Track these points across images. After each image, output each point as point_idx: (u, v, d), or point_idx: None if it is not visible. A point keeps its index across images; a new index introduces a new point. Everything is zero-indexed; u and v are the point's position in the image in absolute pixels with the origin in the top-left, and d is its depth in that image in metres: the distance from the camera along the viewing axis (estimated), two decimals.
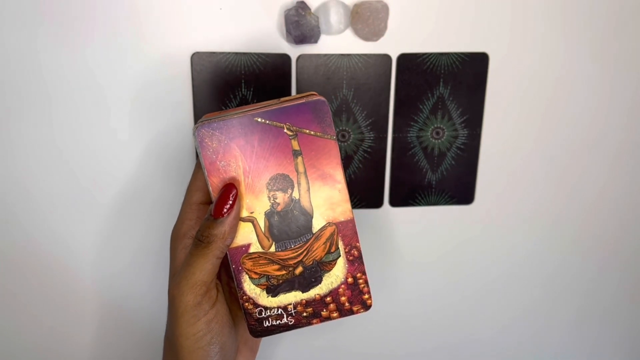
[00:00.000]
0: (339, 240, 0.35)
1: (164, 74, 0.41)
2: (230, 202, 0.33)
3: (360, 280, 0.36)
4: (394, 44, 0.42)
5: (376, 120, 0.44)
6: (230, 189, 0.33)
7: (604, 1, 0.44)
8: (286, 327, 0.36)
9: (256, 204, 0.34)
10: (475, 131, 0.45)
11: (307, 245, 0.35)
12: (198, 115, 0.42)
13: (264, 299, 0.35)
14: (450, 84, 0.44)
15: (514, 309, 0.51)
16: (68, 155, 0.42)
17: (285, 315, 0.36)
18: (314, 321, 0.36)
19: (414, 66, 0.43)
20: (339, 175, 0.34)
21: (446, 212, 0.47)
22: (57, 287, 0.45)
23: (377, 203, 0.46)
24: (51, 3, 0.39)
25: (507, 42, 0.44)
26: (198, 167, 0.35)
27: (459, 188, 0.46)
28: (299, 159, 0.34)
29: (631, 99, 0.46)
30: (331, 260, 0.36)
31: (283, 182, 0.34)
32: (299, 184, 0.34)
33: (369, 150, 0.44)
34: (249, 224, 0.34)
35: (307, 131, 0.33)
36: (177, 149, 0.43)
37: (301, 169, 0.34)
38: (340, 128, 0.44)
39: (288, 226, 0.35)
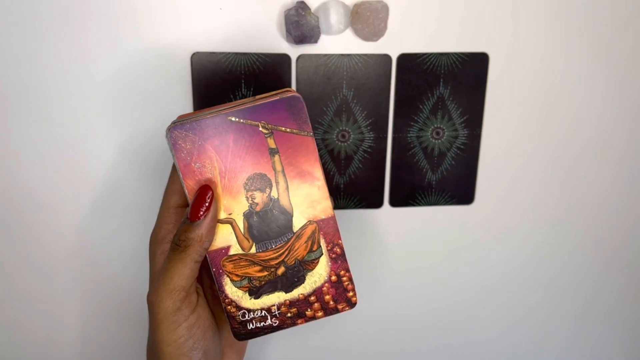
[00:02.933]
0: (321, 238, 0.35)
1: (164, 74, 0.41)
2: (207, 204, 0.32)
3: (344, 278, 0.36)
4: (394, 44, 0.42)
5: (376, 120, 0.44)
6: (205, 190, 0.32)
7: (605, 1, 0.44)
8: (271, 329, 0.36)
9: (234, 205, 0.33)
10: (475, 131, 0.45)
11: (288, 244, 0.35)
12: None
13: (247, 301, 0.35)
14: (450, 84, 0.44)
15: (514, 309, 0.51)
16: (67, 154, 0.42)
17: (269, 317, 0.35)
18: (299, 321, 0.36)
19: (414, 66, 0.43)
20: (317, 172, 0.34)
21: (446, 212, 0.47)
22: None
23: (377, 203, 0.46)
24: (50, 2, 0.39)
25: (507, 42, 0.44)
26: (174, 169, 0.34)
27: (459, 188, 0.46)
28: (276, 157, 0.33)
29: (633, 99, 0.46)
30: (313, 259, 0.35)
31: (260, 181, 0.33)
32: (277, 182, 0.33)
33: (369, 150, 0.44)
34: (228, 226, 0.34)
35: (283, 129, 0.33)
36: None
37: (279, 167, 0.33)
38: (340, 128, 0.44)
39: (268, 226, 0.34)
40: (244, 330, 0.35)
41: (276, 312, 0.35)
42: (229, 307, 0.35)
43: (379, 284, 0.48)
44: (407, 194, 0.46)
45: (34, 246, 0.43)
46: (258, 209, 0.34)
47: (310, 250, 0.35)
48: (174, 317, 0.32)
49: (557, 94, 0.45)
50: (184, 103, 0.42)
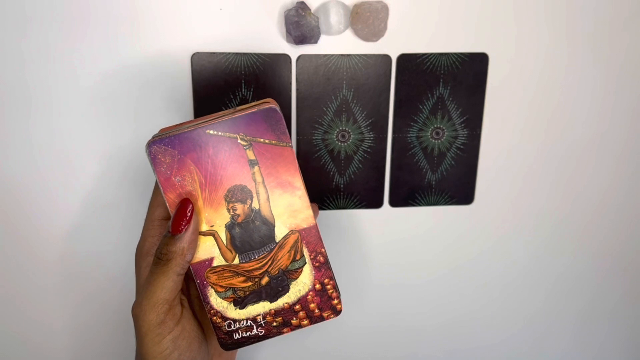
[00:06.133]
0: (304, 247, 0.35)
1: (164, 75, 0.41)
2: (187, 217, 0.33)
3: (329, 286, 0.36)
4: (393, 44, 0.42)
5: (376, 121, 0.44)
6: (186, 204, 0.33)
7: (606, 1, 0.44)
8: (257, 338, 0.36)
9: (216, 217, 0.34)
10: (475, 131, 0.45)
11: (271, 254, 0.35)
12: (199, 115, 0.42)
13: (232, 312, 0.35)
14: (450, 84, 0.44)
15: (515, 311, 0.51)
16: (70, 155, 0.42)
17: (255, 327, 0.36)
18: (285, 330, 0.36)
19: (413, 66, 0.43)
20: (297, 182, 0.34)
21: (446, 212, 0.47)
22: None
23: (377, 203, 0.46)
24: (50, 2, 0.39)
25: (507, 43, 0.44)
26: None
27: (459, 188, 0.46)
28: (256, 168, 0.33)
29: (634, 99, 0.46)
30: (297, 268, 0.36)
31: (241, 193, 0.34)
32: (257, 193, 0.34)
33: (369, 150, 0.44)
34: (210, 238, 0.34)
35: (262, 140, 0.33)
36: None
37: (259, 178, 0.34)
38: (340, 128, 0.44)
39: (250, 237, 0.34)
40: (230, 340, 0.36)
41: (262, 322, 0.36)
42: (215, 317, 0.35)
43: (378, 284, 0.48)
44: (407, 194, 0.46)
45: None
46: (240, 220, 0.34)
47: (294, 260, 0.35)
48: (158, 330, 0.33)
49: (557, 94, 0.45)
50: (184, 103, 0.42)
